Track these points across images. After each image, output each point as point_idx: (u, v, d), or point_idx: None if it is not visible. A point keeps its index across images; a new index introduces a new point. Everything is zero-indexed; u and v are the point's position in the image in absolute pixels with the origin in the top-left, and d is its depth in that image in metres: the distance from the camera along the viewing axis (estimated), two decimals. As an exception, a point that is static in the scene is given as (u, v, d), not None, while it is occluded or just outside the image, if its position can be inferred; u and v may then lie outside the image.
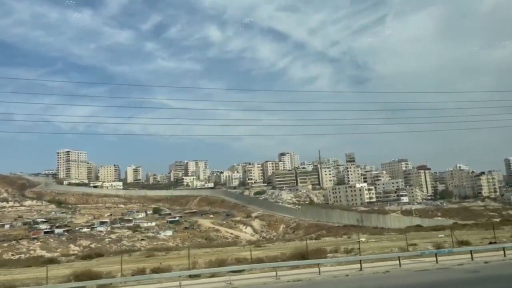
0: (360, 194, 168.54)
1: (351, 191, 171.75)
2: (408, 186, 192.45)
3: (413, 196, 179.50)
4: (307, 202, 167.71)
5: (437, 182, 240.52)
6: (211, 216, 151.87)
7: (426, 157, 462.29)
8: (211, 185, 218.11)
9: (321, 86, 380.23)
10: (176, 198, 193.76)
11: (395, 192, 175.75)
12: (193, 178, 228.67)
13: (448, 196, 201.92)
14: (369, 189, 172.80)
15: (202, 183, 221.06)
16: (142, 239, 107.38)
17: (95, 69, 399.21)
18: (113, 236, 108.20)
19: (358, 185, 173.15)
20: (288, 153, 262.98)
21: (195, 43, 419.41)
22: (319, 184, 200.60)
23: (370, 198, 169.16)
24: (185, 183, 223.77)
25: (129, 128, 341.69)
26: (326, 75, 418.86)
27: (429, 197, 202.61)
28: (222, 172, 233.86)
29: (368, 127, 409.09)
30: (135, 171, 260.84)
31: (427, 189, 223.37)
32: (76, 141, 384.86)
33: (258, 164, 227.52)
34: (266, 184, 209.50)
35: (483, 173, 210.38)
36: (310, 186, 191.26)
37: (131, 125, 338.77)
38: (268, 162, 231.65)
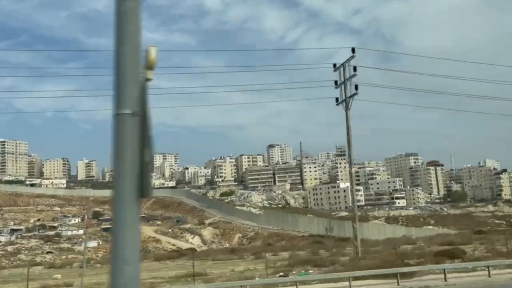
0: (345, 196, 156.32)
1: (334, 192, 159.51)
2: (408, 187, 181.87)
3: (413, 198, 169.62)
4: (280, 206, 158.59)
5: (453, 182, 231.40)
6: (159, 222, 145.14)
7: (450, 151, 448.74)
8: (173, 183, 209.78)
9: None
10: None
11: (390, 193, 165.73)
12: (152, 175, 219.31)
13: (460, 198, 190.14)
14: (356, 190, 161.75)
15: (163, 181, 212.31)
16: (48, 252, 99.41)
17: (66, 41, 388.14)
18: (10, 248, 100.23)
19: (342, 185, 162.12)
20: (278, 144, 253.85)
21: (187, 12, 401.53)
22: (301, 183, 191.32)
23: (358, 200, 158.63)
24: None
25: (102, 114, 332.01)
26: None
27: (437, 200, 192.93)
28: (187, 168, 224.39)
29: (393, 115, 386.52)
30: (88, 166, 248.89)
31: (438, 189, 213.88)
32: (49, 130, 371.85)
33: (230, 159, 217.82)
34: (237, 183, 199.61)
35: (505, 170, 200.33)
36: (288, 186, 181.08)
37: (104, 110, 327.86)
38: (244, 156, 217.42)
